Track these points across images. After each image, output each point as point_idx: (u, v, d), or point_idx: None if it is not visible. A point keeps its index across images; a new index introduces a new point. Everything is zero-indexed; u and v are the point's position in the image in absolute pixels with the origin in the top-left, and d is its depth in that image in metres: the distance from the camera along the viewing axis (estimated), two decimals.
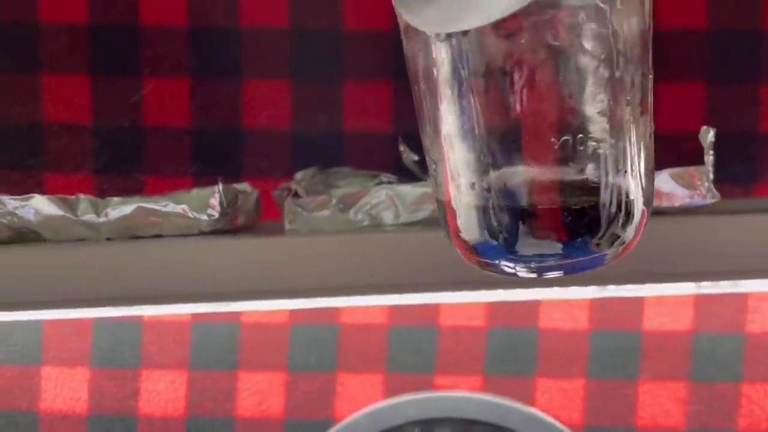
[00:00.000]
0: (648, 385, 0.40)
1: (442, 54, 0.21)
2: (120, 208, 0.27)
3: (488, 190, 0.21)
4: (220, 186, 0.27)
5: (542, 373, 0.40)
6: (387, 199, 0.29)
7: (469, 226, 0.22)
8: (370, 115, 0.39)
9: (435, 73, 0.22)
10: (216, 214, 0.27)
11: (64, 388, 0.41)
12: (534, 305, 0.40)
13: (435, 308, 0.40)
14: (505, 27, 0.20)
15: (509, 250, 0.22)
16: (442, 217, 0.23)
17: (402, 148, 0.33)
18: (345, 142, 0.39)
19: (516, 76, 0.21)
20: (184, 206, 0.27)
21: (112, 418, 0.41)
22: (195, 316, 0.40)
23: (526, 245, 0.22)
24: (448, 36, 0.21)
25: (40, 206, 0.27)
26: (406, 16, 0.21)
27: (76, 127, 0.40)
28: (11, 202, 0.27)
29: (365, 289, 0.26)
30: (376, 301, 0.31)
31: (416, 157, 0.33)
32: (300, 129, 0.39)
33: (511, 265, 0.22)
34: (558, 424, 0.37)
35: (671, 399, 0.40)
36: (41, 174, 0.40)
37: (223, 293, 0.26)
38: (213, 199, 0.27)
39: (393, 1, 0.20)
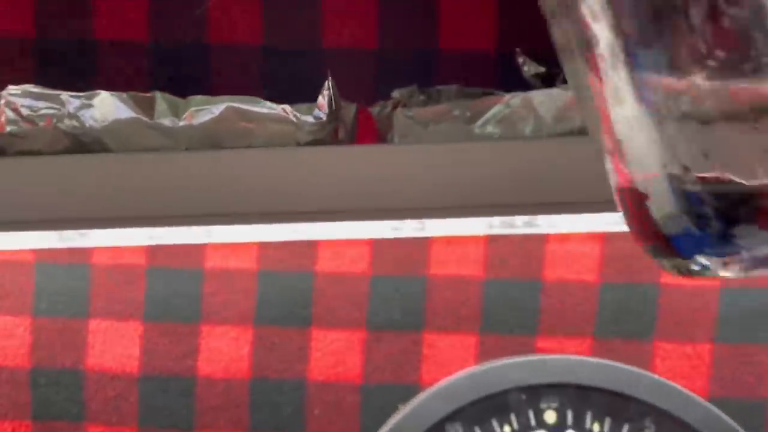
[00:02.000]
0: None
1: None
2: (205, 110, 0.22)
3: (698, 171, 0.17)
4: (330, 82, 0.22)
5: (662, 336, 0.35)
6: (524, 107, 0.23)
7: (665, 213, 0.18)
8: (468, 31, 0.34)
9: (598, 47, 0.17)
10: (323, 116, 0.22)
11: (114, 344, 0.37)
12: None
13: (538, 259, 0.35)
14: None
15: (718, 242, 0.18)
16: (624, 206, 0.19)
17: (521, 59, 0.28)
18: (440, 62, 0.34)
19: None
20: (285, 106, 0.22)
21: (167, 379, 0.36)
22: (262, 263, 0.35)
23: (749, 236, 0.17)
24: None
25: (106, 106, 0.22)
26: None
27: (131, 44, 0.34)
28: (72, 100, 0.22)
29: (497, 209, 0.21)
30: (500, 226, 0.26)
31: (541, 69, 0.27)
32: (386, 47, 0.34)
33: (717, 259, 0.18)
34: (692, 394, 0.32)
35: None
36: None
37: (324, 212, 0.21)
38: (321, 97, 0.22)
39: None
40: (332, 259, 0.36)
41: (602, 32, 0.18)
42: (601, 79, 0.18)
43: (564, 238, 0.35)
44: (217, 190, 0.21)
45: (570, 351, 0.35)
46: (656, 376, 0.33)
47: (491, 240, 0.35)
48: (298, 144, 0.22)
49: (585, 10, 0.18)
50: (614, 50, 0.18)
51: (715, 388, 0.34)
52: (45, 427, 0.37)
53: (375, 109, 0.27)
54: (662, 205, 0.18)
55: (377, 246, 0.36)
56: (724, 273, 0.19)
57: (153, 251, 0.36)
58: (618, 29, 0.18)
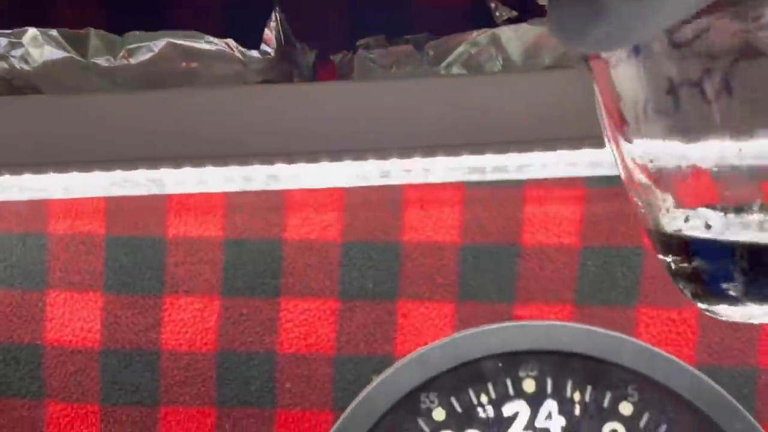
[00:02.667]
0: None
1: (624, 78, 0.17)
2: (143, 47, 0.20)
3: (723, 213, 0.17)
4: (279, 14, 0.20)
5: (646, 302, 0.33)
6: (491, 44, 0.22)
7: (698, 255, 0.18)
8: None
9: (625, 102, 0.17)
10: (270, 52, 0.20)
11: (73, 317, 0.35)
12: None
13: (516, 223, 0.34)
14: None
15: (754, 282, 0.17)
16: (663, 244, 0.19)
17: (493, 4, 0.26)
18: (411, 13, 0.32)
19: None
20: (229, 40, 0.20)
21: (129, 353, 0.35)
22: (228, 230, 0.34)
23: None
24: (631, 53, 0.17)
25: (36, 46, 0.20)
26: (568, 43, 0.16)
27: None
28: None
29: (464, 148, 0.19)
30: (467, 171, 0.25)
31: (514, 13, 0.26)
32: None
33: (748, 298, 0.17)
34: (678, 360, 0.30)
35: None
36: None
37: (273, 153, 0.19)
38: (268, 30, 0.20)
39: (551, 31, 0.16)
40: (301, 226, 0.34)
41: None
42: None
43: (543, 199, 0.33)
44: (160, 134, 0.19)
45: (550, 318, 0.33)
46: (640, 342, 0.31)
47: (467, 203, 0.34)
48: (247, 84, 0.21)
49: None
50: None
51: (702, 356, 0.33)
52: (3, 404, 0.35)
53: (337, 57, 0.25)
54: (696, 248, 0.18)
55: (349, 211, 0.34)
56: (757, 316, 0.18)
57: (112, 219, 0.34)
58: None
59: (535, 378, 0.32)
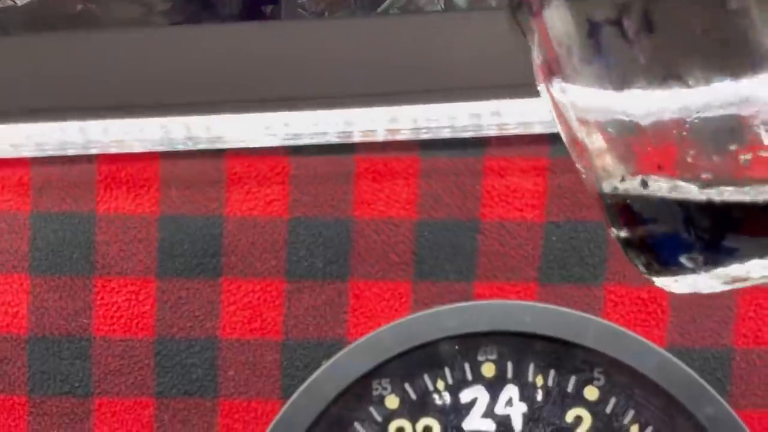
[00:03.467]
0: (751, 296, 0.31)
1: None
2: None
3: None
4: None
5: (614, 280, 0.31)
6: None
7: (652, 216, 0.17)
8: None
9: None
10: None
11: None
12: None
13: (475, 196, 0.31)
14: None
15: (709, 246, 0.16)
16: (609, 211, 0.18)
17: None
18: None
19: None
20: None
21: (58, 340, 0.32)
22: (163, 205, 0.31)
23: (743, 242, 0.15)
24: None
25: None
26: None
27: None
28: None
29: (399, 97, 0.17)
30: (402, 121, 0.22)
31: None
32: None
33: (703, 267, 0.16)
34: (645, 340, 0.28)
35: None
36: None
37: (180, 105, 0.17)
38: None
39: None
40: (244, 201, 0.32)
41: None
42: None
43: (503, 171, 0.31)
44: (52, 81, 0.17)
45: (512, 297, 0.31)
46: (605, 321, 0.29)
47: (423, 176, 0.32)
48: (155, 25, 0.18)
49: None
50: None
51: (673, 337, 0.31)
52: None
53: (267, 8, 0.23)
54: (648, 208, 0.16)
55: (295, 185, 0.32)
56: (708, 284, 0.17)
57: (37, 194, 0.32)
58: None
59: (494, 362, 0.30)
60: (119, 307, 0.32)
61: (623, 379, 0.29)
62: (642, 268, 0.19)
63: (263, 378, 0.32)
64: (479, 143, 0.31)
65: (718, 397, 0.27)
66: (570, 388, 0.29)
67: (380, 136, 0.26)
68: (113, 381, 0.32)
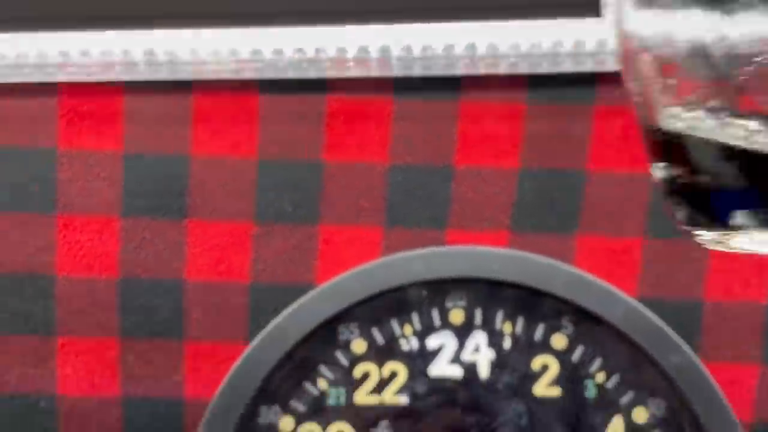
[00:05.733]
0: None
1: None
2: None
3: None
4: None
5: (587, 230, 0.31)
6: None
7: (709, 162, 0.15)
8: None
9: None
10: None
11: None
12: (581, 139, 0.31)
13: (449, 141, 0.31)
14: None
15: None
16: (660, 150, 0.16)
17: None
18: None
19: None
20: None
21: (20, 279, 0.31)
22: (127, 143, 0.30)
23: None
24: None
25: None
26: None
27: None
28: None
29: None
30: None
31: None
32: None
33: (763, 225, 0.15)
34: (613, 289, 0.28)
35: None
36: None
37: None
38: None
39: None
40: (211, 140, 0.31)
41: None
42: None
43: (479, 116, 0.30)
44: None
45: (484, 245, 0.31)
46: (574, 270, 0.29)
47: (396, 119, 0.31)
48: None
49: None
50: None
51: (645, 289, 0.31)
52: None
53: None
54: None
55: (264, 124, 0.31)
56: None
57: None
58: None
59: (463, 308, 0.30)
60: (82, 246, 0.31)
61: (591, 328, 0.29)
62: (685, 220, 0.17)
63: (229, 321, 0.32)
64: (455, 86, 0.30)
65: (684, 346, 0.27)
66: (537, 336, 0.29)
67: (352, 60, 0.25)
68: (77, 321, 0.32)
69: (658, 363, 0.27)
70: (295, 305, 0.29)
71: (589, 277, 0.28)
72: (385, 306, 0.29)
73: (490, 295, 0.29)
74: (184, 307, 0.31)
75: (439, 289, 0.29)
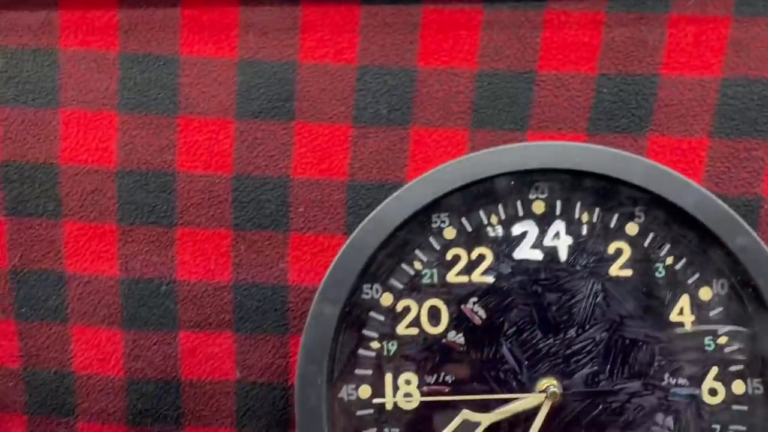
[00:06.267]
0: None
1: None
2: None
3: None
4: None
5: (657, 131, 0.34)
6: None
7: None
8: None
9: None
10: None
11: (88, 136, 0.35)
12: (655, 45, 0.33)
13: (533, 49, 0.33)
14: None
15: None
16: None
17: None
18: None
19: None
20: None
21: (145, 174, 0.35)
22: (241, 50, 0.33)
23: None
24: None
25: None
26: None
27: None
28: None
29: None
30: None
31: None
32: None
33: None
34: (686, 178, 0.31)
35: None
36: None
37: None
38: None
39: None
40: (317, 48, 0.34)
41: None
42: None
43: (562, 24, 0.33)
44: None
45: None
46: (650, 161, 0.32)
47: (485, 27, 0.33)
48: None
49: None
50: None
51: (709, 185, 0.34)
52: (21, 223, 0.36)
53: None
54: None
55: (364, 34, 0.34)
56: None
57: (125, 36, 0.34)
58: None
59: (544, 200, 0.33)
60: (200, 145, 0.35)
61: (662, 215, 0.32)
62: None
63: (329, 215, 0.35)
64: None
65: (749, 228, 0.30)
66: (613, 224, 0.32)
67: None
68: (195, 213, 0.35)
69: (725, 245, 0.30)
70: (394, 195, 0.32)
71: (663, 167, 0.31)
72: (473, 196, 0.33)
73: (571, 187, 0.32)
74: (289, 201, 0.35)
75: (523, 181, 0.32)
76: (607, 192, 0.32)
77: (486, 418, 0.31)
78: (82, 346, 0.37)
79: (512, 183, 0.32)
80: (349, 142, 0.35)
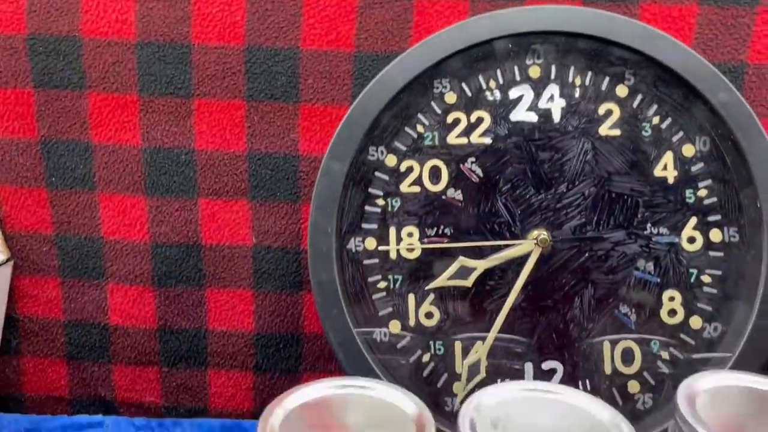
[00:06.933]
0: None
1: None
2: None
3: None
4: None
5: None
6: None
7: None
8: None
9: None
10: None
11: (108, 9, 0.37)
12: None
13: None
14: None
15: None
16: None
17: None
18: None
19: None
20: None
21: (163, 45, 0.37)
22: None
23: None
24: None
25: None
26: None
27: None
28: None
29: None
30: None
31: None
32: None
33: None
34: (672, 38, 0.33)
35: None
36: None
37: None
38: None
39: None
40: None
41: None
42: None
43: None
44: None
45: None
46: (642, 23, 0.33)
47: None
48: None
49: None
50: None
51: (697, 51, 0.35)
52: (48, 94, 0.38)
53: None
54: None
55: None
56: None
57: None
58: None
59: (540, 65, 0.35)
60: (214, 17, 0.37)
61: (650, 75, 0.33)
62: None
63: (337, 86, 0.37)
64: None
65: (730, 84, 0.32)
66: (604, 86, 0.34)
67: None
68: (210, 84, 0.37)
69: (708, 101, 0.32)
70: (397, 59, 0.34)
71: (653, 28, 0.33)
72: (472, 61, 0.34)
73: (565, 51, 0.34)
74: (299, 73, 0.37)
75: (520, 44, 0.34)
76: (599, 53, 0.34)
77: (481, 264, 0.34)
78: (109, 213, 0.39)
79: (510, 47, 0.34)
80: (355, 13, 0.36)
